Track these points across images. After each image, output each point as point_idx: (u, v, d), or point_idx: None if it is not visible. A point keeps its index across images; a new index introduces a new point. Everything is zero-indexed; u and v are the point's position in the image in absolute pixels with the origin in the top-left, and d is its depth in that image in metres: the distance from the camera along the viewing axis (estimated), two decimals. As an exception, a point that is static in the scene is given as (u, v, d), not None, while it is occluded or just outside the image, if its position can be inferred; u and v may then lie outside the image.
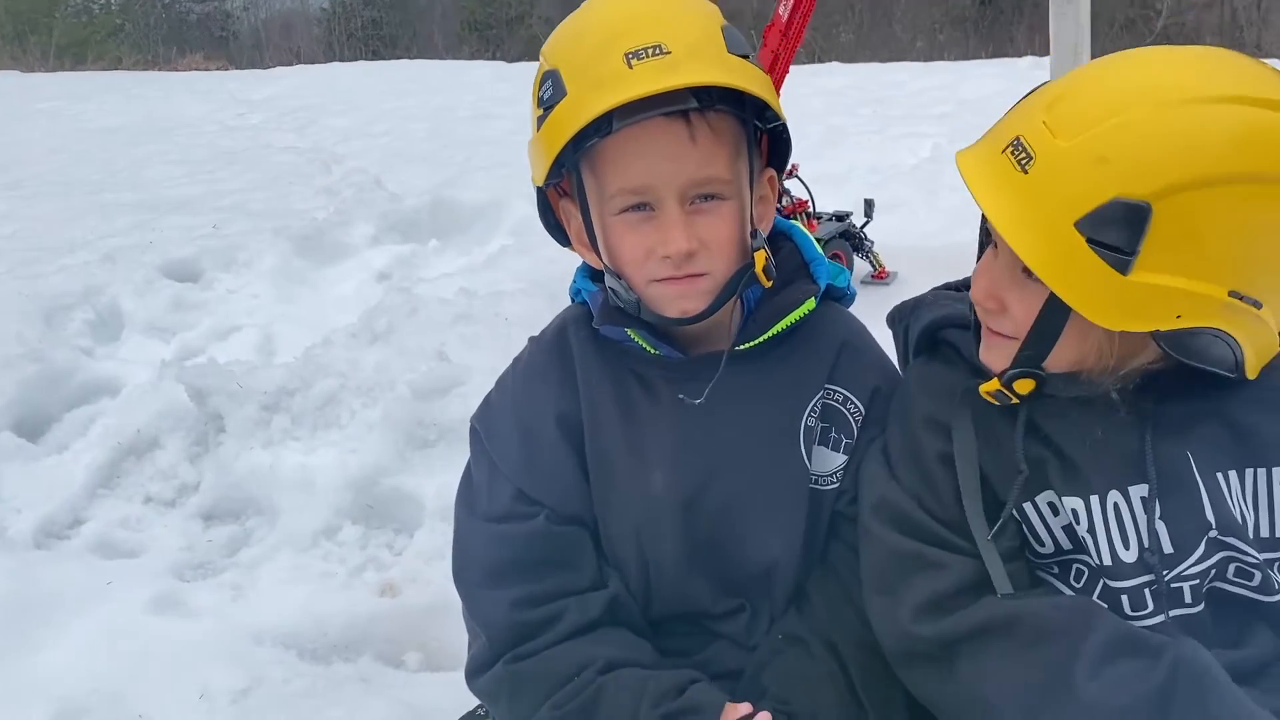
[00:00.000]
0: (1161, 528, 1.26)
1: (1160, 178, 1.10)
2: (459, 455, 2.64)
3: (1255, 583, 1.28)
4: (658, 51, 1.26)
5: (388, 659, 2.47)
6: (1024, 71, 11.28)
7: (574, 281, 1.54)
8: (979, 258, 1.35)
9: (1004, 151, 1.20)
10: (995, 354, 1.32)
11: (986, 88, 10.47)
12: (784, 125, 1.41)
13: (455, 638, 2.42)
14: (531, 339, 1.60)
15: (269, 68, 21.61)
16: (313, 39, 28.71)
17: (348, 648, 2.51)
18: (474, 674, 1.45)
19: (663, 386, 1.45)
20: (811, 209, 4.65)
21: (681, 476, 1.43)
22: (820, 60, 17.06)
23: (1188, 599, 1.28)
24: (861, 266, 4.72)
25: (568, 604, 1.40)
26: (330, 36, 28.12)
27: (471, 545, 1.49)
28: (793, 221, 1.58)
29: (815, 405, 1.46)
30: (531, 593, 1.41)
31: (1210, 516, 1.26)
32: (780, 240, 1.52)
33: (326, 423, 3.29)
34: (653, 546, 1.44)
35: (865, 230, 4.72)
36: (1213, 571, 1.28)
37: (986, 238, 1.32)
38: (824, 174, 6.14)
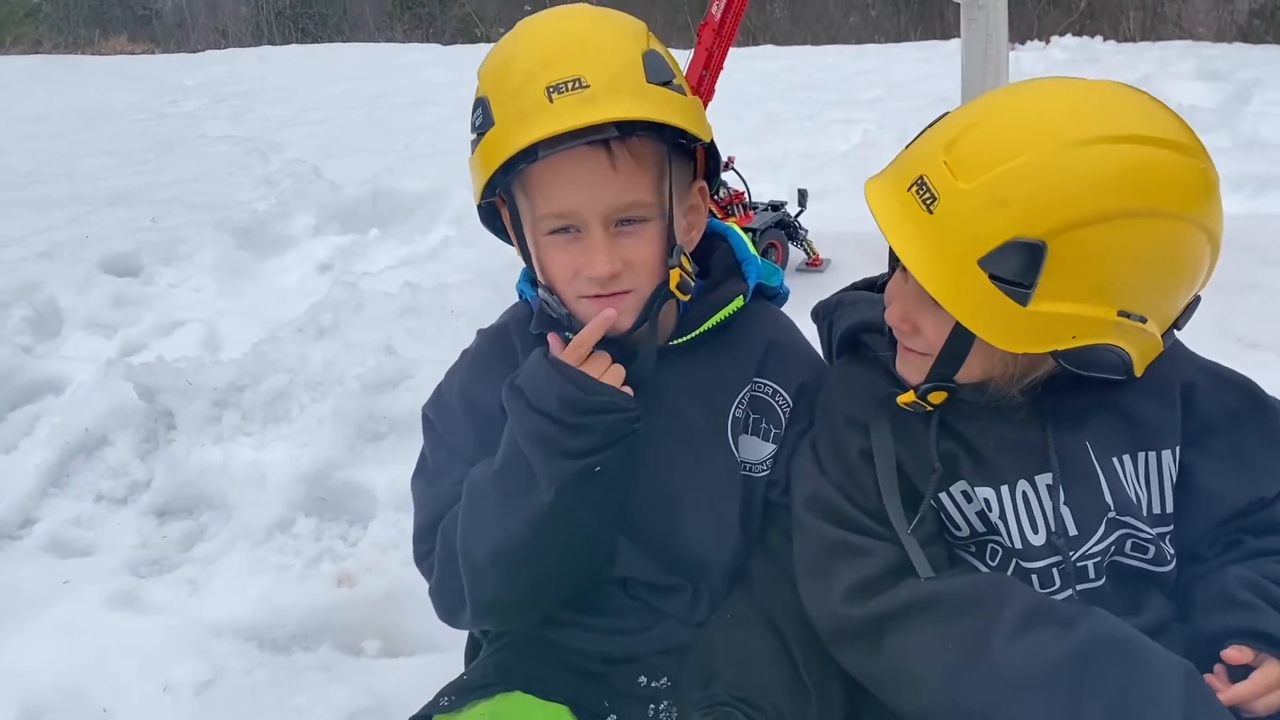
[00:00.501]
0: (1066, 512, 1.37)
1: (1055, 218, 1.19)
2: (410, 447, 2.69)
3: (1149, 555, 1.40)
4: (577, 85, 1.32)
5: (347, 647, 2.49)
6: (951, 54, 11.38)
7: (520, 280, 1.60)
8: (889, 274, 1.45)
9: (909, 190, 1.28)
10: (910, 369, 1.41)
11: (915, 71, 10.65)
12: (711, 143, 1.47)
13: (413, 624, 2.47)
14: (480, 331, 1.66)
15: (196, 49, 21.13)
16: (240, 18, 27.97)
17: (307, 637, 2.53)
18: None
19: None
20: (748, 199, 4.73)
21: None
22: (755, 39, 17.12)
23: (1091, 575, 1.39)
24: (796, 255, 4.79)
25: None
26: (258, 15, 27.39)
27: (432, 505, 1.53)
28: (730, 213, 1.66)
29: (743, 397, 1.54)
30: None
31: (1109, 499, 1.37)
32: (715, 241, 1.60)
33: (277, 418, 3.30)
34: None
35: (799, 219, 4.82)
36: (1112, 548, 1.39)
37: (896, 260, 1.40)
38: (760, 159, 6.22)
